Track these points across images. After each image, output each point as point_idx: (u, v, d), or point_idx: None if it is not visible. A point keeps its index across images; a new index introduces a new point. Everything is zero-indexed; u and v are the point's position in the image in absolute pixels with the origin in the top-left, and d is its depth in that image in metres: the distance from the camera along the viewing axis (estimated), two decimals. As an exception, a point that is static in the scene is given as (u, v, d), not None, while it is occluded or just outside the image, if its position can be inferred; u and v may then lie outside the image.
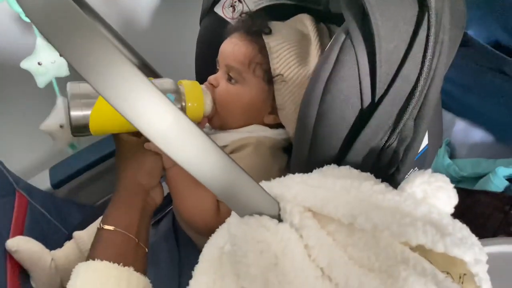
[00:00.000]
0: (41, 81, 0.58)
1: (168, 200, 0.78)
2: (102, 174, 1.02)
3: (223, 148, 0.67)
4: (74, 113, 0.56)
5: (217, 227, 0.47)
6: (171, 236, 0.70)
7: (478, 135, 1.13)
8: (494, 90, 1.00)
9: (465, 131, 1.16)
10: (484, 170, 1.05)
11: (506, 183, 1.00)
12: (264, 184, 0.44)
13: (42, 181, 0.97)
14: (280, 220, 0.42)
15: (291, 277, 0.39)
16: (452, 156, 1.18)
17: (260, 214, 0.41)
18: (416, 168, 0.59)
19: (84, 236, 0.75)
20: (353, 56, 0.44)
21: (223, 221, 0.45)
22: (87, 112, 0.57)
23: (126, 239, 0.56)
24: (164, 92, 0.62)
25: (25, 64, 0.57)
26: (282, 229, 0.41)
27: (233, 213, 0.43)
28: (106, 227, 0.57)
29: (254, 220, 0.41)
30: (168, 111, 0.34)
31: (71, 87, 0.56)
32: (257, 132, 0.68)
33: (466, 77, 1.05)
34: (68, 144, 0.66)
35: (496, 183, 1.00)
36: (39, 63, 0.57)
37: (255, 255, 0.40)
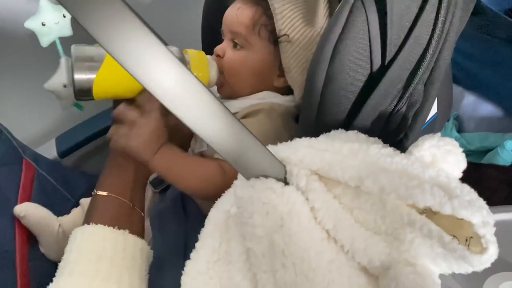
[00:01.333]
0: (44, 41, 0.58)
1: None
2: (107, 144, 1.02)
3: (234, 114, 0.67)
4: (78, 76, 0.55)
5: (229, 186, 0.47)
6: (178, 203, 0.70)
7: (486, 109, 1.12)
8: (505, 63, 0.98)
9: (473, 105, 1.15)
10: (492, 144, 1.04)
11: (514, 157, 1.00)
12: (270, 147, 0.44)
13: (49, 150, 0.97)
14: (286, 183, 0.42)
15: (296, 238, 0.39)
16: (460, 130, 1.17)
17: (266, 176, 0.41)
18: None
19: (91, 203, 0.76)
20: (364, 17, 0.42)
21: (231, 180, 0.45)
22: (92, 76, 0.56)
23: (120, 203, 0.57)
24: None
25: (29, 24, 0.56)
26: (288, 191, 0.40)
27: (239, 175, 0.43)
28: (100, 192, 0.57)
29: (260, 183, 0.41)
30: (176, 70, 0.34)
31: (76, 49, 0.56)
32: (268, 98, 0.67)
33: (477, 49, 1.03)
34: (73, 103, 0.66)
35: (504, 156, 0.99)
36: (42, 24, 0.56)
37: (261, 216, 0.40)
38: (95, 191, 0.58)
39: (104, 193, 0.57)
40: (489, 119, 1.12)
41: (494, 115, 1.11)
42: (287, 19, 0.62)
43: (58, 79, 0.63)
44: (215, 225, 0.47)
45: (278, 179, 0.42)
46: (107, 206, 0.57)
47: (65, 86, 0.64)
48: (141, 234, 0.58)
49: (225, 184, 0.48)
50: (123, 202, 0.57)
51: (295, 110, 0.67)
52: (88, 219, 0.55)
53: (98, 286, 0.48)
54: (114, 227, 0.53)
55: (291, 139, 0.65)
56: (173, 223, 0.67)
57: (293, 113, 0.67)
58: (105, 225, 0.53)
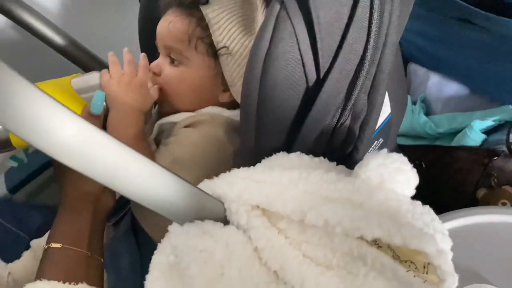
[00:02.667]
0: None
1: (125, 199, 0.74)
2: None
3: (173, 124, 0.62)
4: None
5: None
6: (130, 236, 0.66)
7: (452, 88, 1.10)
8: (463, 41, 0.96)
9: (439, 85, 1.13)
10: (461, 124, 1.03)
11: (483, 136, 0.99)
12: (205, 184, 0.40)
13: (-2, 187, 0.92)
14: (226, 222, 0.38)
15: (239, 287, 0.35)
16: (428, 113, 1.15)
17: (203, 219, 0.37)
18: (381, 139, 0.55)
19: (42, 245, 0.71)
20: (290, 29, 0.38)
21: None
22: None
23: (76, 254, 0.52)
24: (92, 89, 0.56)
25: None
26: (227, 233, 0.37)
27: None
28: (53, 245, 0.52)
29: (195, 227, 0.36)
30: (69, 120, 0.29)
31: None
32: (212, 111, 0.62)
33: (435, 29, 1.01)
34: (8, 156, 0.60)
35: (473, 137, 0.98)
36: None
37: (199, 266, 0.36)
38: (46, 243, 0.53)
39: (58, 245, 0.52)
40: (456, 98, 1.11)
41: (460, 94, 1.10)
42: (224, 29, 0.57)
43: None
44: (159, 271, 0.43)
45: (217, 219, 0.38)
46: (62, 259, 0.52)
47: None
48: (100, 282, 0.54)
49: None
50: (79, 252, 0.53)
51: None
52: (40, 274, 0.50)
53: None
54: (69, 282, 0.49)
55: (235, 153, 0.61)
56: (126, 258, 0.63)
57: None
58: (59, 281, 0.49)
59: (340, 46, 0.39)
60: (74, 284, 0.49)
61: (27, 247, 0.76)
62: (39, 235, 0.75)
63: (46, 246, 0.52)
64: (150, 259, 0.45)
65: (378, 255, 0.33)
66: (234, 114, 0.63)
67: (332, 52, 0.39)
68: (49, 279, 0.48)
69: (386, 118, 0.54)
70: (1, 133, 0.51)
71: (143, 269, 0.62)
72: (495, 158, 0.82)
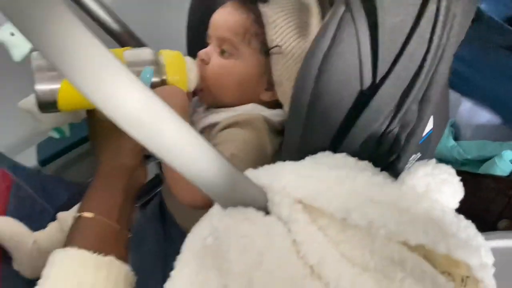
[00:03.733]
0: (16, 54, 0.54)
1: (155, 182, 0.75)
2: (91, 151, 0.99)
3: (215, 124, 0.63)
4: (40, 87, 0.51)
5: None
6: (157, 220, 0.67)
7: (484, 116, 1.09)
8: (504, 69, 0.95)
9: (471, 112, 1.12)
10: (490, 153, 1.02)
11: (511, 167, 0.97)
12: (251, 172, 0.41)
13: (29, 158, 0.94)
14: (267, 212, 0.39)
15: (276, 276, 0.35)
16: (456, 137, 1.14)
17: (245, 205, 0.38)
18: (419, 153, 0.55)
19: (68, 218, 0.72)
20: (353, 31, 0.39)
21: None
22: (55, 86, 0.52)
23: (107, 226, 0.53)
24: (142, 64, 0.57)
25: (-3, 34, 0.52)
26: (269, 222, 0.37)
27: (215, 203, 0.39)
28: (85, 214, 0.53)
29: (238, 212, 0.37)
30: (139, 92, 0.30)
31: (36, 58, 0.51)
32: (253, 110, 0.63)
33: (475, 55, 1.00)
34: (52, 127, 0.62)
35: (502, 166, 0.97)
36: (11, 34, 0.52)
37: (238, 251, 0.36)
38: (78, 212, 0.54)
39: (90, 215, 0.53)
40: (487, 127, 1.10)
41: (492, 123, 1.09)
42: (279, 29, 0.58)
43: (33, 98, 0.59)
44: (192, 253, 0.44)
45: (259, 208, 0.38)
46: (92, 229, 0.53)
47: None
48: (126, 257, 0.54)
49: None
50: (110, 224, 0.54)
51: (281, 125, 0.63)
52: (69, 242, 0.51)
53: None
54: (98, 253, 0.49)
55: (275, 153, 0.62)
56: (152, 241, 0.64)
57: (278, 128, 0.63)
58: (88, 250, 0.49)
59: (400, 53, 0.39)
60: (103, 255, 0.50)
61: (52, 220, 0.78)
62: (65, 209, 0.77)
63: (78, 215, 0.53)
64: (175, 244, 0.46)
65: (419, 261, 0.34)
66: (273, 114, 0.64)
67: (392, 58, 0.40)
68: (79, 247, 0.49)
69: (428, 132, 0.54)
70: (50, 94, 0.52)
71: (167, 254, 0.63)
72: (521, 190, 0.81)
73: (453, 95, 1.11)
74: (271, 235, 0.36)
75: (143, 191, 0.63)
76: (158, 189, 0.74)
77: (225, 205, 0.38)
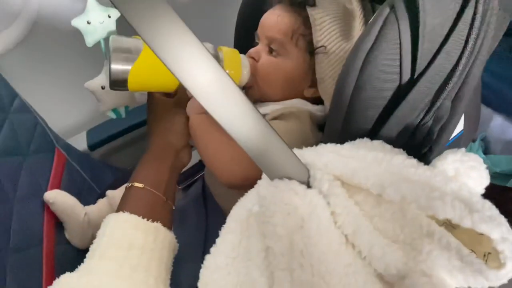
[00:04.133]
0: (89, 40, 0.60)
1: (198, 166, 0.80)
2: (136, 140, 1.06)
3: (264, 115, 0.68)
4: (115, 67, 0.57)
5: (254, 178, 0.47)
6: (200, 202, 0.72)
7: (515, 132, 1.10)
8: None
9: (502, 127, 1.14)
10: (519, 167, 1.03)
11: (541, 182, 0.98)
12: (296, 150, 0.45)
13: (80, 142, 1.01)
14: (309, 186, 0.43)
15: (315, 240, 0.40)
16: (486, 151, 1.16)
17: (290, 178, 0.42)
18: (449, 153, 0.58)
19: (117, 195, 0.79)
20: (396, 30, 0.43)
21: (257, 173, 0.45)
22: (128, 67, 0.57)
23: (155, 196, 0.59)
24: None
25: (75, 22, 0.59)
26: (311, 194, 0.42)
27: (263, 175, 0.44)
28: (136, 184, 0.59)
29: (283, 184, 0.42)
30: (211, 68, 0.36)
31: (114, 40, 0.57)
32: (299, 105, 0.68)
33: (508, 70, 1.02)
34: (111, 108, 0.68)
35: (531, 181, 0.98)
36: (88, 22, 0.59)
37: (282, 216, 0.41)
38: (129, 182, 0.60)
39: (140, 185, 0.59)
40: (517, 143, 1.11)
41: (523, 139, 1.10)
42: (325, 31, 0.63)
43: (98, 80, 0.66)
44: (237, 222, 0.49)
45: (301, 182, 0.43)
46: (142, 198, 0.58)
47: (103, 87, 0.66)
48: (170, 227, 0.60)
49: (250, 173, 0.48)
50: (157, 195, 0.59)
51: (323, 120, 0.68)
52: (122, 208, 0.56)
53: (127, 272, 0.50)
54: (147, 219, 0.55)
55: (316, 145, 0.66)
56: (194, 219, 0.69)
57: (319, 123, 0.68)
58: (139, 216, 0.55)
59: (437, 52, 0.44)
60: (151, 221, 0.55)
61: (100, 197, 0.84)
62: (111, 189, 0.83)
63: (130, 185, 0.59)
64: (215, 225, 0.51)
65: (445, 234, 0.38)
66: (316, 109, 0.69)
67: (430, 55, 0.44)
68: (130, 213, 0.55)
69: (458, 133, 0.58)
70: (122, 73, 0.57)
71: (207, 231, 0.68)
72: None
73: (485, 110, 1.13)
74: (312, 205, 0.41)
75: (188, 174, 0.68)
76: (201, 173, 0.79)
77: (272, 176, 0.43)
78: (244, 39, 0.75)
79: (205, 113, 0.57)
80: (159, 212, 0.58)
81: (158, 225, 0.56)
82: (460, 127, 0.58)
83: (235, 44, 0.83)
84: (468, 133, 0.61)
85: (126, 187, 0.60)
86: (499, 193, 0.99)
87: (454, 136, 0.57)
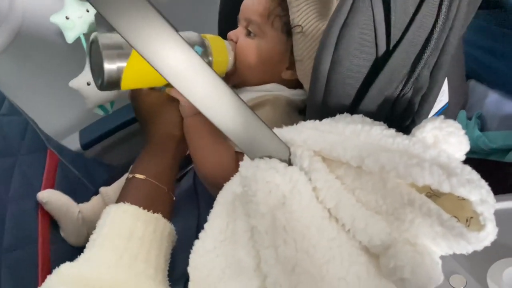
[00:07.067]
0: (69, 36, 0.60)
1: (189, 158, 0.80)
2: (128, 137, 1.06)
3: None
4: (109, 66, 0.52)
5: None
6: (191, 193, 0.72)
7: (510, 107, 1.09)
8: (529, 58, 0.96)
9: (497, 103, 1.13)
10: (515, 142, 1.02)
11: (537, 155, 0.97)
12: (276, 129, 0.45)
13: (73, 142, 1.01)
14: (290, 164, 0.43)
15: (298, 216, 0.40)
16: (482, 129, 1.15)
17: (271, 157, 0.42)
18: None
19: (110, 192, 0.79)
20: (368, 2, 0.43)
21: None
22: (122, 64, 0.53)
23: (156, 187, 0.59)
24: (192, 44, 0.63)
25: (54, 18, 0.59)
26: (291, 171, 0.41)
27: (245, 156, 0.44)
28: (138, 175, 0.59)
29: (264, 162, 0.42)
30: (185, 53, 0.36)
31: (102, 37, 0.53)
32: (275, 91, 0.68)
33: (499, 45, 1.01)
34: (97, 105, 0.68)
35: (526, 155, 0.97)
36: (66, 17, 0.59)
37: (264, 194, 0.41)
38: (130, 174, 0.60)
39: (142, 176, 0.59)
40: (513, 117, 1.10)
41: (518, 114, 1.09)
42: (302, 12, 0.63)
43: (83, 77, 0.65)
44: (223, 206, 0.49)
45: (282, 160, 0.43)
46: (143, 189, 0.59)
47: (88, 84, 0.65)
48: (170, 217, 0.60)
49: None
50: (158, 186, 0.59)
51: (301, 104, 0.68)
52: (122, 198, 0.56)
53: (126, 262, 0.50)
54: (147, 210, 0.55)
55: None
56: (186, 208, 0.69)
57: (299, 107, 0.68)
58: (139, 206, 0.55)
59: (411, 22, 0.43)
60: (151, 212, 0.55)
61: (94, 195, 0.84)
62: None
63: (131, 176, 0.59)
64: (207, 215, 0.51)
65: (426, 200, 0.37)
66: (293, 93, 0.69)
67: (404, 25, 0.44)
68: (131, 203, 0.55)
69: (443, 107, 0.57)
70: (117, 72, 0.54)
71: (199, 222, 0.68)
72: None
73: (480, 87, 1.12)
74: (293, 181, 0.41)
75: (180, 166, 0.68)
76: (192, 165, 0.79)
77: (252, 156, 0.43)
78: (227, 25, 0.75)
79: (198, 114, 0.58)
80: (160, 203, 0.58)
81: (158, 216, 0.56)
82: (445, 100, 0.58)
83: (219, 30, 0.83)
84: (454, 105, 0.60)
85: (127, 178, 0.60)
86: (496, 169, 0.99)
87: (440, 109, 0.57)
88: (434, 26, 0.44)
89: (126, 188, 0.59)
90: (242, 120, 0.40)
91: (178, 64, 0.36)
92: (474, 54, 1.06)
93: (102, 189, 0.80)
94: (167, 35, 0.35)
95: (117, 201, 0.57)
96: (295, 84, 0.69)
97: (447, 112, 0.59)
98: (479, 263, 0.47)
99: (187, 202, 0.72)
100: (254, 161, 0.42)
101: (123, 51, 0.54)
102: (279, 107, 0.65)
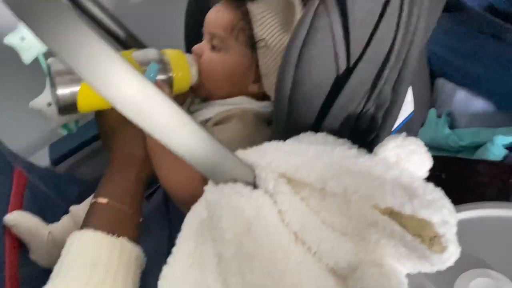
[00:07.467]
0: (26, 57, 0.58)
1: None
2: (101, 150, 1.04)
3: (208, 120, 0.68)
4: (61, 91, 0.54)
5: None
6: (162, 209, 0.71)
7: (478, 104, 1.11)
8: (493, 57, 0.98)
9: (465, 101, 1.15)
10: (484, 139, 1.04)
11: (505, 151, 1.00)
12: (239, 152, 0.45)
13: (42, 158, 0.99)
14: (255, 186, 0.43)
15: (264, 241, 0.40)
16: (452, 126, 1.16)
17: (235, 181, 0.42)
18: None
19: (80, 211, 0.77)
20: (326, 20, 0.43)
21: None
22: (75, 89, 0.55)
23: (120, 210, 0.57)
24: (149, 62, 0.62)
25: (8, 40, 0.57)
26: (256, 195, 0.41)
27: (209, 181, 0.44)
28: (100, 200, 0.57)
29: (228, 187, 0.41)
30: (136, 80, 0.34)
31: (54, 62, 0.54)
32: (243, 104, 0.68)
33: (465, 44, 1.03)
34: (61, 124, 0.66)
35: (494, 151, 0.99)
36: (21, 38, 0.57)
37: (229, 220, 0.40)
38: (93, 198, 0.58)
39: (104, 200, 0.57)
40: (481, 115, 1.12)
41: (486, 110, 1.11)
42: (265, 25, 0.63)
43: (43, 98, 0.63)
44: (191, 229, 0.48)
45: (247, 183, 0.42)
46: (107, 213, 0.57)
47: (49, 104, 0.64)
48: (137, 239, 0.58)
49: (200, 193, 0.49)
50: (122, 209, 0.58)
51: (270, 116, 0.68)
52: (86, 225, 0.55)
53: None
54: (111, 234, 0.54)
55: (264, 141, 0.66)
56: (156, 227, 0.68)
57: (267, 119, 0.67)
58: (103, 232, 0.54)
59: (370, 39, 0.43)
60: (116, 237, 0.54)
61: (65, 214, 0.83)
62: (76, 204, 0.81)
63: (93, 201, 0.58)
64: (178, 230, 0.50)
65: (389, 222, 0.37)
66: (261, 106, 0.68)
67: (363, 44, 0.43)
68: (94, 230, 0.53)
69: (408, 116, 0.58)
70: (70, 96, 0.54)
71: (171, 239, 0.67)
72: (515, 174, 0.84)
73: (448, 85, 1.14)
74: (259, 206, 0.41)
75: (149, 182, 0.67)
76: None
77: (216, 181, 0.42)
78: (193, 40, 0.74)
79: None
80: (124, 226, 0.57)
81: (123, 240, 0.55)
82: (410, 108, 0.58)
83: (186, 44, 0.82)
84: (419, 114, 0.61)
85: (90, 203, 0.59)
86: (466, 166, 1.01)
87: (406, 118, 0.57)
88: (393, 44, 0.44)
89: (89, 213, 0.57)
90: (203, 147, 0.39)
91: (127, 92, 0.34)
92: (442, 54, 1.07)
93: (73, 208, 0.78)
94: (112, 62, 0.33)
95: (81, 226, 0.55)
96: (263, 96, 0.69)
97: (413, 120, 0.59)
98: (446, 275, 0.47)
99: (158, 219, 0.71)
100: (218, 186, 0.42)
101: (75, 76, 0.53)
102: (247, 120, 0.65)
